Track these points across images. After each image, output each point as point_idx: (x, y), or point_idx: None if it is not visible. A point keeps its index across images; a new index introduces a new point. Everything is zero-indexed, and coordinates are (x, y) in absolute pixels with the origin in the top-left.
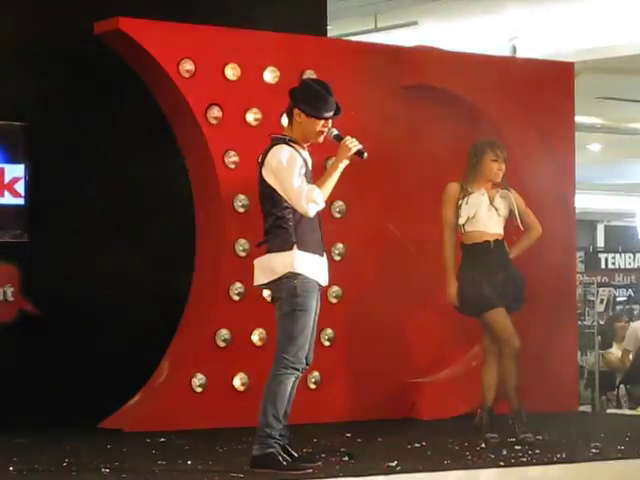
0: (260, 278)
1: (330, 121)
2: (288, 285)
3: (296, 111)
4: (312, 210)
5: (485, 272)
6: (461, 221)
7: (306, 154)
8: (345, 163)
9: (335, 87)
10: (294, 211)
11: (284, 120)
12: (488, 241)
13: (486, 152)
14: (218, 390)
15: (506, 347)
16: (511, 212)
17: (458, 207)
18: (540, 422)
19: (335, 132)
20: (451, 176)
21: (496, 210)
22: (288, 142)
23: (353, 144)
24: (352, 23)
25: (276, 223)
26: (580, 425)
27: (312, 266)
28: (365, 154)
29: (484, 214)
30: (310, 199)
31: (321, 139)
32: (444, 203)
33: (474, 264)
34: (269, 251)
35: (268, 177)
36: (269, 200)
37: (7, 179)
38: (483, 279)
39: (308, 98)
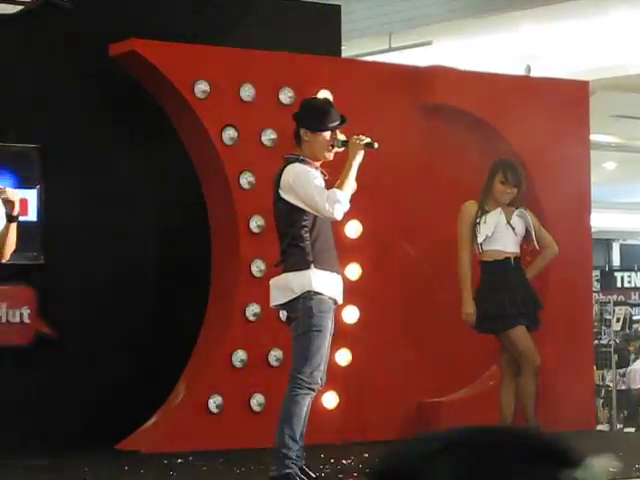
0: (277, 298)
1: (337, 132)
2: (304, 305)
3: (302, 131)
4: (338, 212)
5: (506, 289)
6: (479, 239)
7: (318, 173)
8: (359, 160)
9: (351, 107)
10: (311, 230)
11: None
12: (508, 258)
13: (497, 172)
14: (235, 411)
15: (527, 365)
16: (527, 231)
17: (476, 225)
18: None
19: (342, 138)
20: (467, 195)
21: (513, 229)
22: (301, 160)
23: (361, 138)
24: (366, 43)
25: (292, 242)
26: (597, 444)
27: (329, 284)
28: (376, 145)
29: (502, 233)
30: (333, 201)
31: (331, 156)
32: (461, 221)
33: (495, 281)
34: (286, 271)
35: (287, 195)
36: (286, 220)
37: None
38: (505, 296)
39: (310, 115)
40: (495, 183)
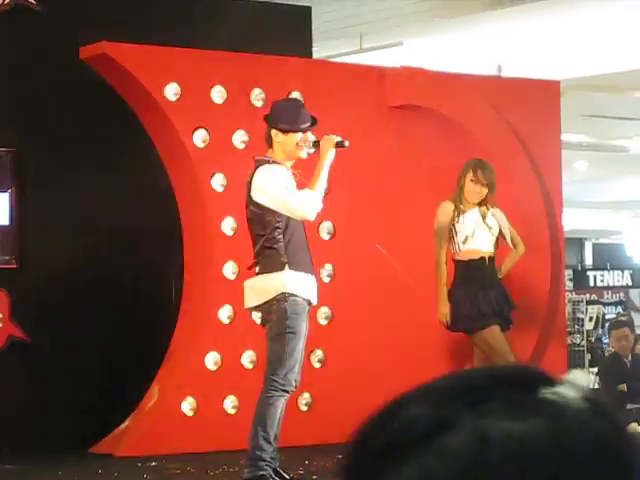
0: (251, 300)
1: (308, 132)
2: (278, 307)
3: (273, 132)
4: (311, 212)
5: (480, 288)
6: (459, 239)
7: (290, 174)
8: (330, 159)
9: (322, 108)
10: (284, 232)
11: None
12: (483, 257)
13: (468, 172)
14: (209, 413)
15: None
16: (501, 230)
17: (452, 226)
18: None
19: (313, 138)
20: (439, 194)
21: (489, 228)
22: (272, 162)
23: (332, 137)
24: (337, 44)
25: (266, 244)
26: None
27: (304, 285)
28: (346, 143)
29: (479, 232)
30: (306, 202)
31: (303, 154)
32: (437, 221)
33: (469, 280)
34: (260, 273)
35: (259, 198)
36: (259, 222)
37: None
38: (479, 295)
39: (281, 116)
40: (466, 182)
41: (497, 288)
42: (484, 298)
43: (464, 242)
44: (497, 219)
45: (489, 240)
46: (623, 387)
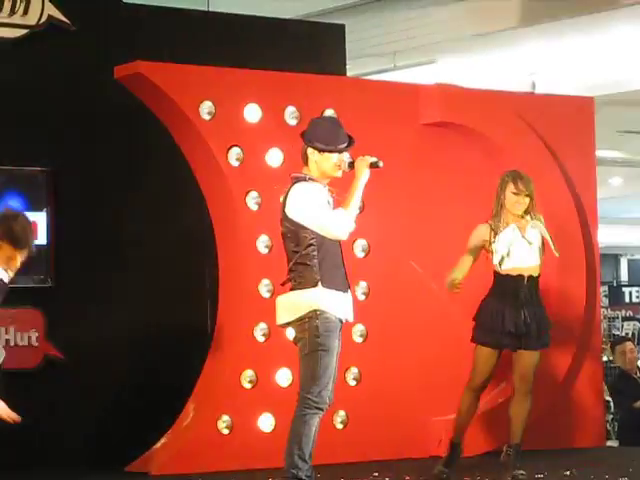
0: (283, 317)
1: (345, 153)
2: (310, 325)
3: (310, 150)
4: (344, 232)
5: (510, 306)
6: (496, 260)
7: (326, 192)
8: (365, 179)
9: (356, 126)
10: (318, 249)
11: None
12: (522, 275)
13: (508, 184)
14: (244, 431)
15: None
16: (544, 240)
17: (490, 247)
18: (568, 457)
19: (349, 159)
20: (472, 211)
21: (529, 243)
22: (308, 180)
23: (367, 158)
24: (371, 62)
25: (300, 261)
26: (608, 460)
27: (336, 303)
28: (381, 163)
29: (517, 250)
30: (339, 221)
31: (339, 173)
32: (470, 239)
33: (502, 295)
34: (293, 289)
35: (294, 215)
36: (293, 239)
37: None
38: (506, 313)
39: (318, 135)
40: (507, 195)
41: (534, 307)
42: (510, 316)
43: (500, 263)
44: (539, 230)
45: (531, 255)
46: (638, 404)
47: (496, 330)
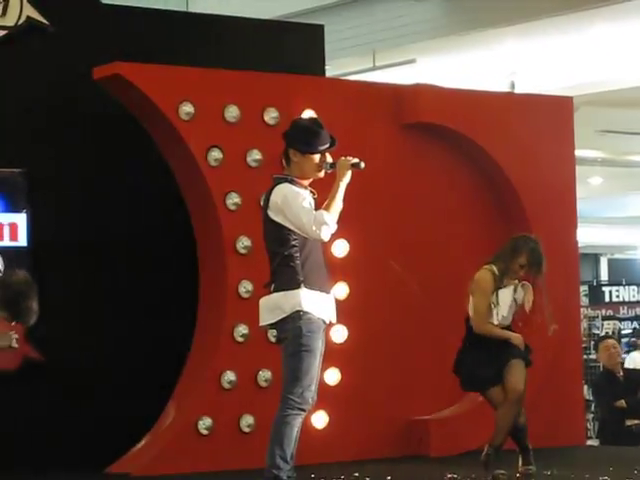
0: (266, 318)
1: (327, 154)
2: (294, 326)
3: (291, 151)
4: (325, 233)
5: (487, 351)
6: (494, 321)
7: (307, 193)
8: (346, 181)
9: (335, 127)
10: (301, 250)
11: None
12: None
13: (520, 257)
14: (224, 432)
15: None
16: (525, 301)
17: (491, 301)
18: (548, 456)
19: (330, 161)
20: (452, 212)
21: (515, 301)
22: (290, 181)
23: (348, 159)
24: (350, 62)
25: (283, 262)
26: (588, 459)
27: (320, 304)
28: (362, 164)
29: (507, 308)
30: (320, 223)
31: (321, 174)
32: (478, 293)
33: (480, 344)
34: (275, 290)
35: (276, 216)
36: (276, 240)
37: (8, 225)
38: (486, 359)
39: (300, 136)
40: (514, 265)
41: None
42: (489, 360)
43: (498, 321)
44: (526, 290)
45: (512, 312)
46: (622, 403)
47: (487, 374)
